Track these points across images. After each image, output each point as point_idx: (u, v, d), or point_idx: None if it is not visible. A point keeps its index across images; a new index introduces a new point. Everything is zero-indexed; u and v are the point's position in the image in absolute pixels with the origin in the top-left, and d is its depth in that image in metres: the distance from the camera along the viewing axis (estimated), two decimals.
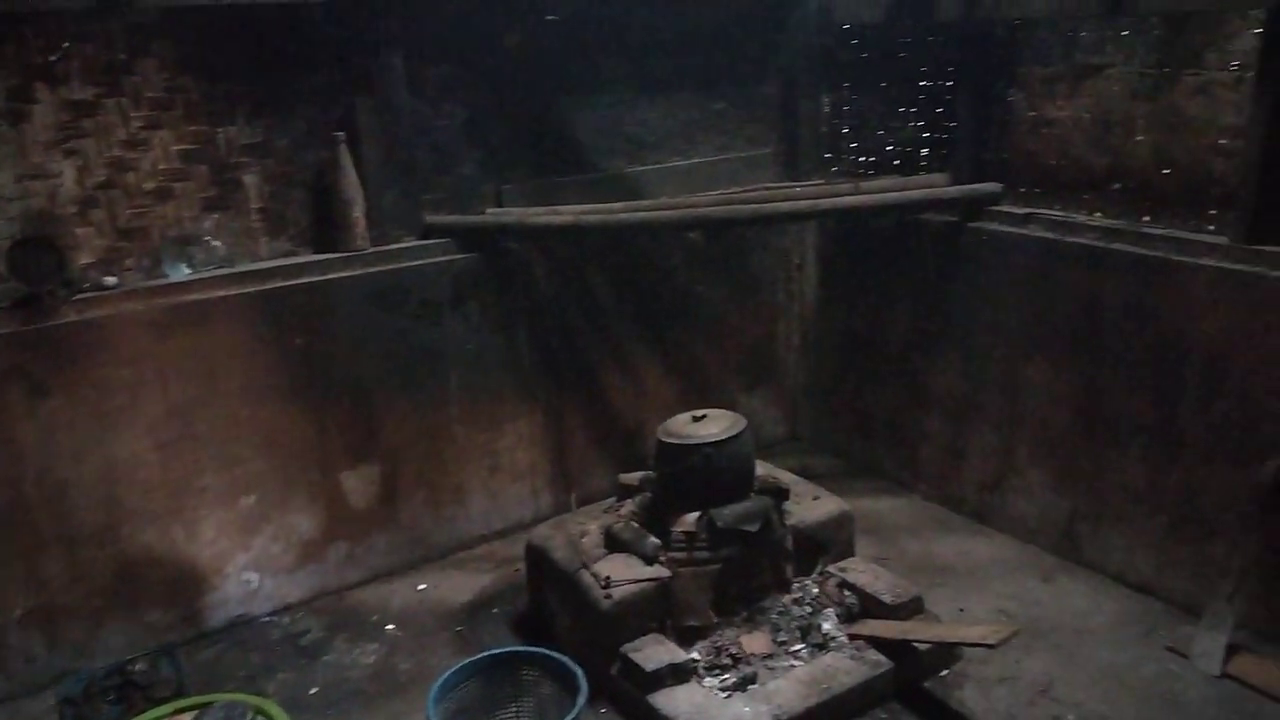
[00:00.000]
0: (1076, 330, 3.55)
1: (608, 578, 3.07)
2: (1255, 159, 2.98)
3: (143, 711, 2.64)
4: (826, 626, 3.19)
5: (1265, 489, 3.05)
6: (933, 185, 3.91)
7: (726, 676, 2.99)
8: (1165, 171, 3.32)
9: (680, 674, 2.92)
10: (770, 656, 3.08)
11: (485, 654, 2.83)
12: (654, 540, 3.16)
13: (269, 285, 3.42)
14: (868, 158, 4.39)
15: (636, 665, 2.93)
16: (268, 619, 3.63)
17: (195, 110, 3.26)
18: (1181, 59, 3.21)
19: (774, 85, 4.50)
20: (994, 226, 3.80)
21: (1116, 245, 3.40)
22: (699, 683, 2.96)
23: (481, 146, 3.83)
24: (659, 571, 3.10)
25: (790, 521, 3.35)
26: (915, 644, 3.09)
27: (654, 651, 2.98)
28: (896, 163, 4.26)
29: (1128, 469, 3.48)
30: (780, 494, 3.35)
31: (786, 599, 3.28)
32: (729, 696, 2.92)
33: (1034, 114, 3.70)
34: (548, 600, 3.39)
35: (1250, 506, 3.10)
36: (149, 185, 3.24)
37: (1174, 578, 3.42)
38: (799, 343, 4.84)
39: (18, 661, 3.18)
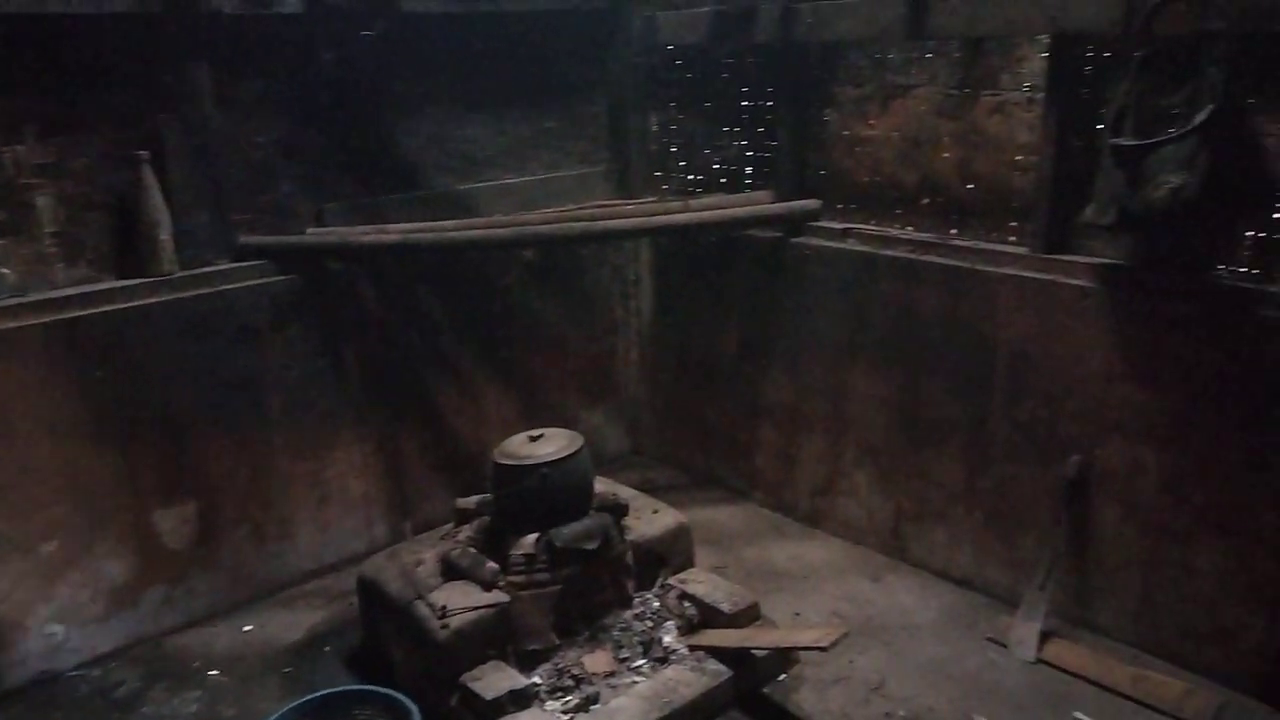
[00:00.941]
0: (894, 338, 3.72)
1: (444, 607, 2.99)
2: (1048, 174, 3.20)
3: None
4: (667, 639, 3.21)
5: (1068, 483, 3.27)
6: (757, 202, 4.01)
7: (569, 699, 2.96)
8: (970, 186, 3.53)
9: (521, 700, 2.86)
10: (613, 674, 3.06)
11: (315, 695, 2.71)
12: (492, 565, 3.10)
13: (66, 315, 3.17)
14: (696, 176, 4.48)
15: (476, 695, 2.85)
16: (75, 673, 3.35)
17: None
18: (980, 80, 3.42)
19: (603, 104, 4.54)
20: (815, 241, 3.94)
21: (928, 257, 3.58)
22: (541, 707, 2.91)
23: (300, 164, 3.69)
24: (497, 597, 3.04)
25: (630, 537, 3.36)
26: (753, 651, 3.14)
27: (494, 679, 2.91)
28: (723, 180, 4.36)
29: (946, 469, 3.67)
30: (620, 510, 3.36)
31: (628, 615, 3.28)
32: (571, 719, 2.88)
33: (848, 133, 3.86)
34: (382, 635, 3.27)
35: (1056, 500, 3.32)
36: None
37: (992, 571, 3.61)
38: (638, 358, 4.88)
39: None
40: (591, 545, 3.12)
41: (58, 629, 3.31)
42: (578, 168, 4.50)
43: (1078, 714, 3.00)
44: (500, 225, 3.81)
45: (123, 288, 3.30)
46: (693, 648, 3.19)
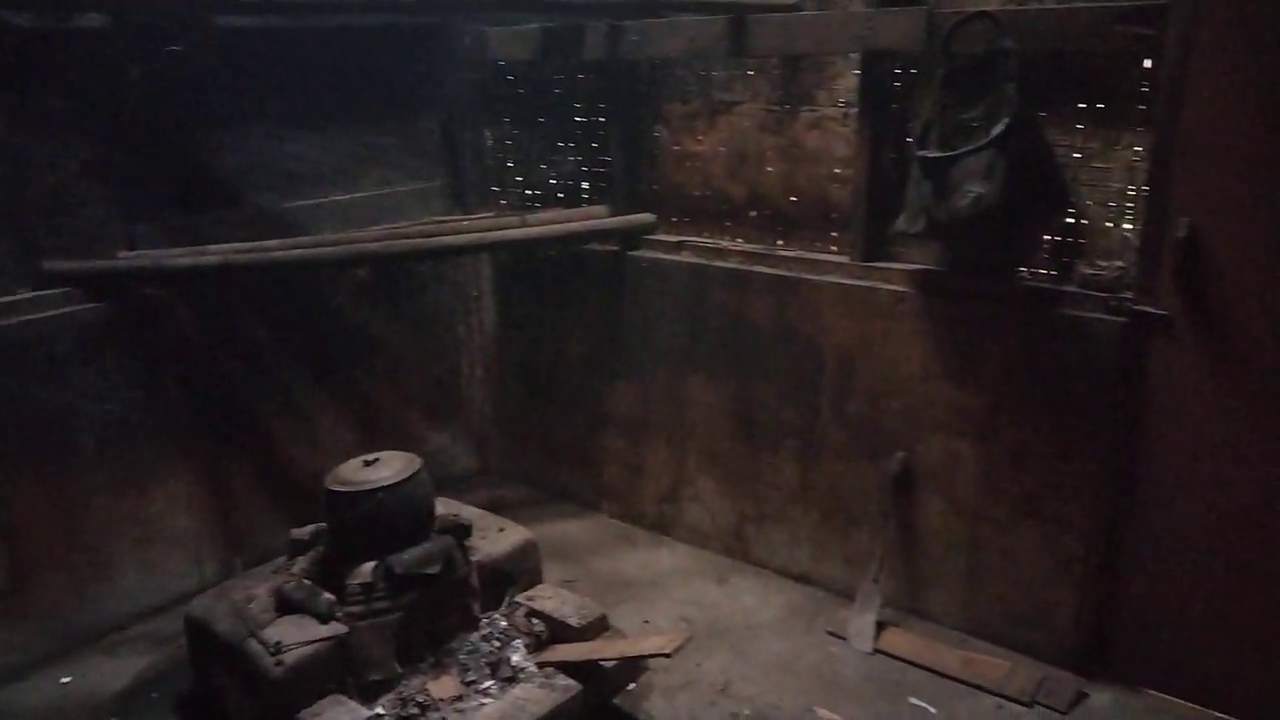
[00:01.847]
0: (729, 347, 3.82)
1: (278, 643, 2.86)
2: (863, 186, 3.36)
3: None
4: (515, 658, 3.17)
5: (894, 479, 3.43)
6: (593, 217, 4.05)
7: None
8: (793, 199, 3.66)
9: None
10: (460, 699, 2.99)
11: None
12: (328, 596, 2.99)
13: None
14: (533, 191, 4.48)
15: None
16: None
17: None
18: (799, 97, 3.56)
19: (435, 119, 4.47)
20: (652, 254, 4.01)
21: (757, 267, 3.69)
22: None
23: (110, 185, 3.47)
24: (335, 628, 2.92)
25: (475, 557, 3.30)
26: (601, 663, 3.14)
27: (334, 714, 2.80)
28: (560, 195, 4.38)
29: (783, 470, 3.78)
30: (462, 531, 3.29)
31: (475, 636, 3.22)
32: None
33: (678, 148, 3.94)
34: (214, 677, 3.10)
35: (884, 496, 3.47)
36: None
37: (829, 567, 3.75)
38: (483, 375, 4.82)
39: None
40: (433, 569, 3.05)
41: None
42: (412, 184, 4.42)
43: (913, 699, 3.14)
44: (328, 244, 3.70)
45: None
46: (541, 664, 3.15)
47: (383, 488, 3.02)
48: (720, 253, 3.82)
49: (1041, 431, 3.11)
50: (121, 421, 3.51)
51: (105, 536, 3.54)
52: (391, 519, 3.04)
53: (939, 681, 3.22)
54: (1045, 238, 3.09)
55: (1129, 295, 2.89)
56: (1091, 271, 2.96)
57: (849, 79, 3.39)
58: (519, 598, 3.42)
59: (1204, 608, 2.96)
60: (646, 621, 3.61)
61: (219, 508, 3.88)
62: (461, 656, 3.14)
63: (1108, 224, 2.97)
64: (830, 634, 3.50)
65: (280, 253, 3.59)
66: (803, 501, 3.76)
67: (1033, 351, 3.07)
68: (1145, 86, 2.81)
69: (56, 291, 3.34)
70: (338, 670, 2.91)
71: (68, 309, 3.35)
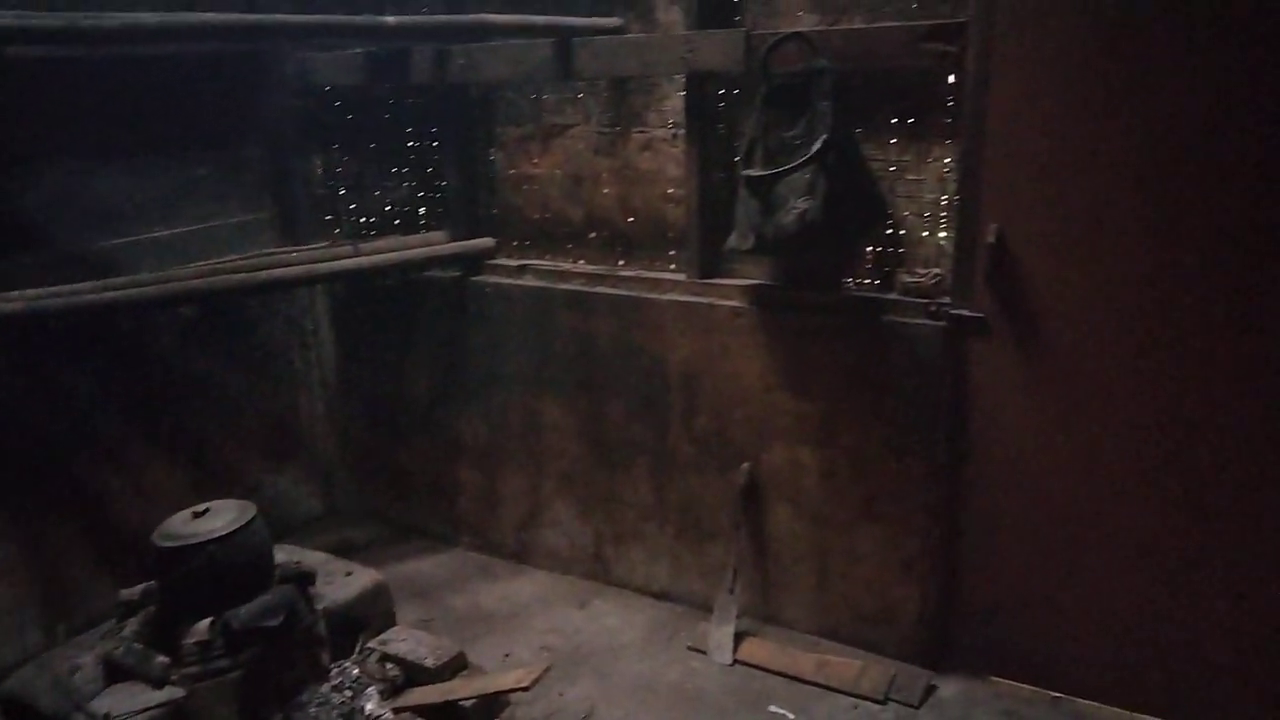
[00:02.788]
0: (577, 368, 3.81)
1: (106, 715, 2.67)
2: (695, 205, 3.41)
3: None
4: (369, 707, 3.06)
5: (742, 489, 3.48)
6: (431, 243, 3.97)
7: None
8: (630, 220, 3.69)
9: None
10: None
11: None
12: (162, 659, 2.81)
13: None
14: (368, 218, 4.36)
15: None
16: None
17: None
18: (629, 119, 3.59)
19: (259, 148, 4.29)
20: (494, 279, 3.96)
21: (600, 288, 3.70)
22: None
23: None
24: (171, 693, 2.76)
25: (321, 605, 3.17)
26: (460, 703, 3.07)
27: None
28: (397, 222, 4.28)
29: (637, 489, 3.79)
30: (306, 578, 3.15)
31: (325, 688, 3.08)
32: None
33: (515, 171, 3.92)
34: None
35: (733, 507, 3.52)
36: None
37: (687, 581, 3.77)
38: (324, 411, 4.65)
39: None
40: (273, 622, 2.91)
41: None
42: (238, 216, 4.22)
43: (773, 707, 3.18)
44: (147, 284, 3.49)
45: None
46: (398, 710, 3.07)
47: (214, 540, 2.86)
48: (563, 275, 3.81)
49: (875, 434, 3.22)
50: None
51: None
52: (226, 572, 2.88)
53: (797, 686, 3.28)
54: (868, 249, 3.21)
55: (947, 300, 3.03)
56: (912, 279, 3.09)
57: (676, 100, 3.44)
58: (371, 643, 3.31)
59: (1033, 594, 3.12)
60: (507, 655, 3.54)
61: (39, 572, 3.59)
62: (312, 710, 3.00)
63: (924, 233, 3.11)
64: (691, 649, 3.52)
65: (93, 295, 3.36)
66: (658, 518, 3.77)
67: (863, 358, 3.18)
68: (951, 101, 2.96)
69: None
70: None
71: None
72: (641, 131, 3.57)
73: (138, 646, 2.89)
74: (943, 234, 3.07)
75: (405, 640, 3.32)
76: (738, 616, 3.53)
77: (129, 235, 3.84)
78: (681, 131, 3.42)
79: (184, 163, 4.03)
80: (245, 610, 2.87)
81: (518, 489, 4.13)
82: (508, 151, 3.92)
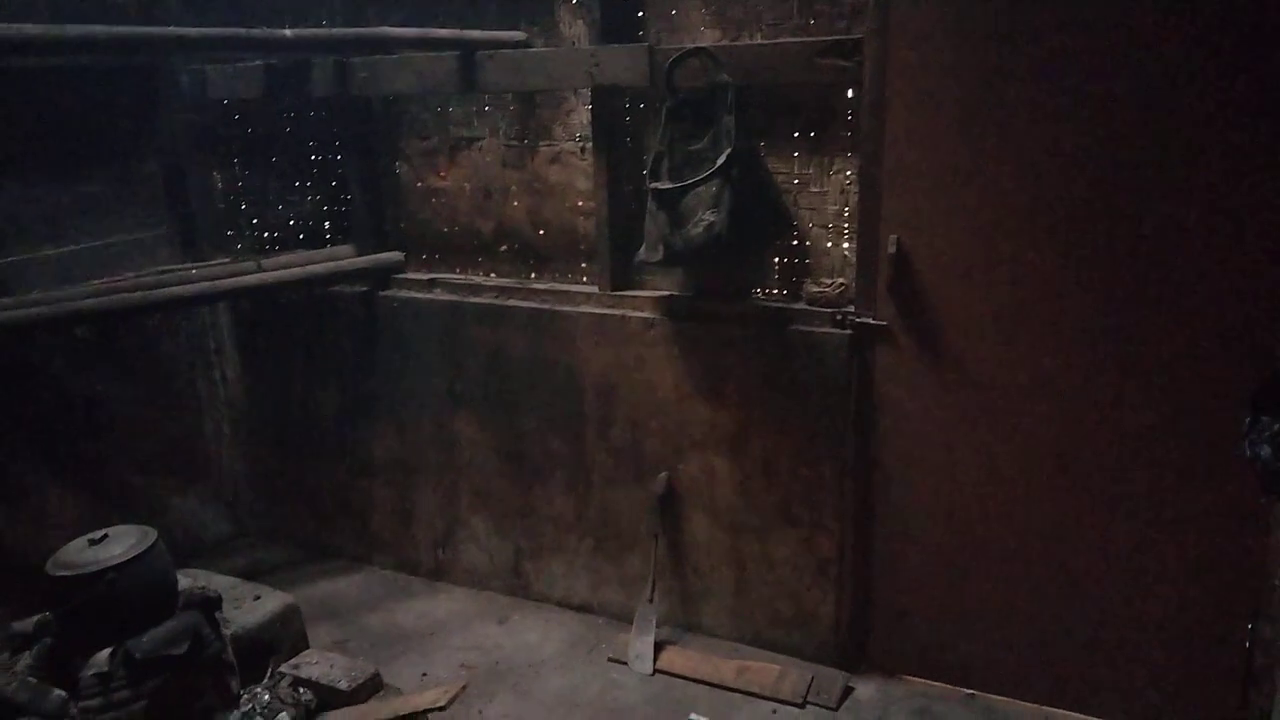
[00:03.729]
0: (491, 382, 3.78)
1: None
2: (604, 218, 3.43)
3: None
4: None
5: (659, 498, 3.50)
6: (337, 258, 3.90)
7: None
8: (541, 232, 3.69)
9: None
10: None
11: None
12: (59, 693, 2.70)
13: None
14: (272, 233, 4.27)
15: None
16: None
17: None
18: (537, 132, 3.59)
19: (155, 163, 4.16)
20: (404, 294, 3.92)
21: (512, 302, 3.69)
22: None
23: None
24: None
25: (229, 630, 3.08)
26: None
27: None
28: (301, 237, 4.19)
29: (555, 502, 3.78)
30: (211, 603, 3.06)
31: (235, 715, 3.01)
32: None
33: (422, 184, 3.88)
34: None
35: (651, 517, 3.53)
36: None
37: (607, 593, 3.77)
38: (230, 432, 4.52)
39: None
40: (178, 650, 2.82)
41: None
42: (134, 232, 4.08)
43: (694, 715, 3.19)
44: (35, 304, 3.35)
45: None
46: None
47: (111, 567, 2.76)
48: (474, 288, 3.79)
49: (786, 441, 3.27)
50: None
51: None
52: (126, 600, 2.79)
53: (718, 694, 3.31)
54: (775, 260, 3.27)
55: (851, 309, 3.10)
56: (817, 289, 3.16)
57: (583, 113, 3.45)
58: (283, 667, 3.25)
59: (943, 593, 3.21)
60: (425, 674, 3.49)
61: None
62: None
63: (828, 244, 3.18)
64: (612, 661, 3.53)
65: None
66: (577, 530, 3.77)
67: (773, 367, 3.23)
68: (850, 115, 3.04)
69: None
70: None
71: None
72: (549, 145, 3.57)
73: (32, 680, 2.77)
74: (846, 245, 3.15)
75: (318, 663, 3.26)
76: (658, 626, 3.55)
77: (17, 254, 3.69)
78: (589, 145, 3.44)
79: (76, 179, 3.89)
80: (147, 638, 2.78)
81: (433, 506, 4.08)
82: (414, 165, 3.88)
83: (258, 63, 3.82)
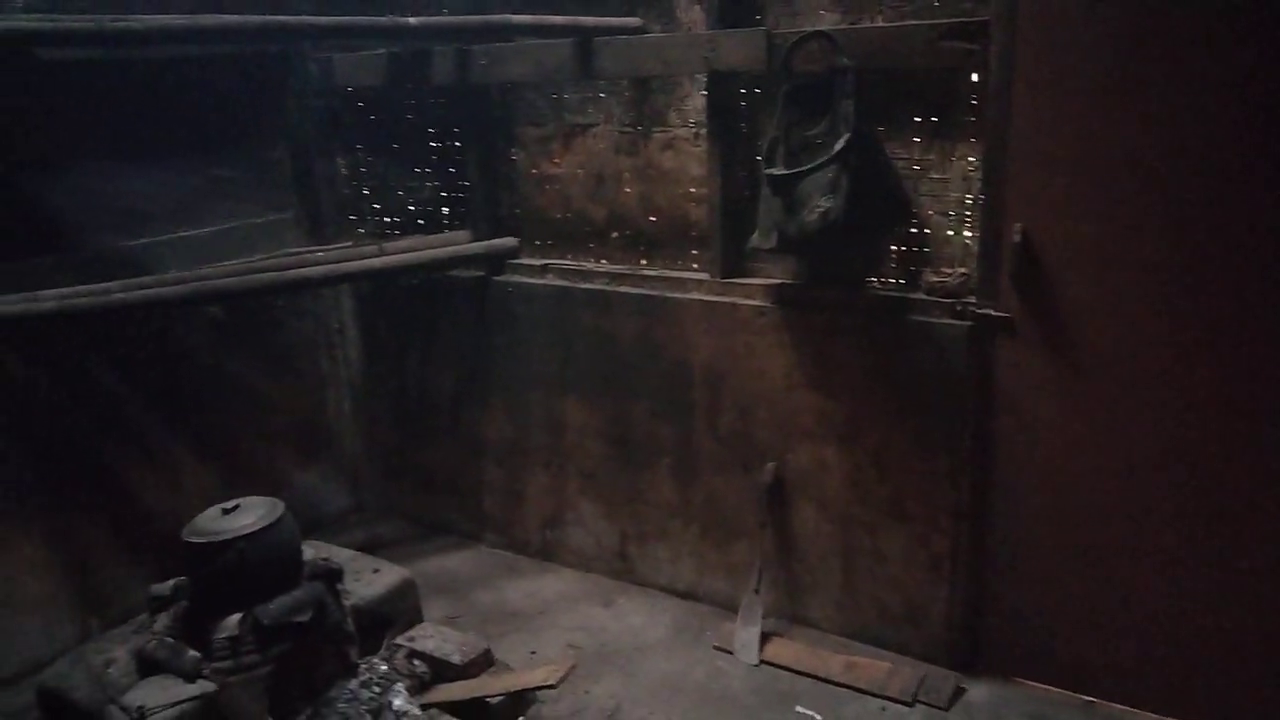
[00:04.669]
0: (599, 368, 3.82)
1: (140, 707, 2.71)
2: (717, 204, 3.41)
3: None
4: (398, 703, 3.08)
5: (767, 488, 3.48)
6: (455, 243, 3.99)
7: None
8: (652, 219, 3.69)
9: None
10: None
11: None
12: (193, 654, 2.85)
13: None
14: (392, 218, 4.39)
15: None
16: None
17: None
18: (651, 118, 3.59)
19: (284, 149, 4.33)
20: (517, 279, 3.98)
21: (622, 288, 3.71)
22: None
23: None
24: (203, 687, 2.79)
25: (349, 601, 3.20)
26: (486, 699, 3.09)
27: None
28: (420, 222, 4.30)
29: (661, 488, 3.79)
30: (334, 575, 3.18)
31: (354, 684, 3.11)
32: None
33: (536, 171, 3.93)
34: None
35: (758, 506, 3.51)
36: None
37: (712, 581, 3.77)
38: (351, 409, 4.69)
39: None
40: (303, 618, 2.94)
41: None
42: (263, 216, 4.26)
43: (800, 708, 3.18)
44: (174, 283, 3.53)
45: None
46: (425, 706, 3.09)
47: (243, 536, 2.90)
48: (585, 274, 3.82)
49: (900, 433, 3.20)
50: None
51: None
52: (255, 568, 2.92)
53: (824, 688, 3.27)
54: (892, 248, 3.19)
55: (972, 300, 3.01)
56: (937, 278, 3.08)
57: (698, 99, 3.44)
58: (399, 639, 3.34)
59: (1065, 596, 3.09)
60: (533, 652, 3.56)
61: (72, 567, 3.65)
62: (341, 705, 3.04)
63: (949, 232, 3.09)
64: (717, 649, 3.53)
65: (122, 295, 3.40)
66: (682, 517, 3.78)
67: (887, 357, 3.17)
68: (975, 99, 2.94)
69: None
70: None
71: None
72: (663, 131, 3.56)
73: (170, 641, 2.93)
74: (968, 233, 3.05)
75: (432, 637, 3.34)
76: (763, 616, 3.52)
77: (156, 235, 3.90)
78: (704, 130, 3.42)
79: (210, 163, 4.08)
80: (275, 606, 2.91)
81: (542, 488, 4.15)
82: (530, 151, 3.93)
83: (382, 51, 3.93)
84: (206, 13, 3.31)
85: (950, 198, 3.06)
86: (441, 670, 3.22)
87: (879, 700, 3.19)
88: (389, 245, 3.97)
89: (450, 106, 4.05)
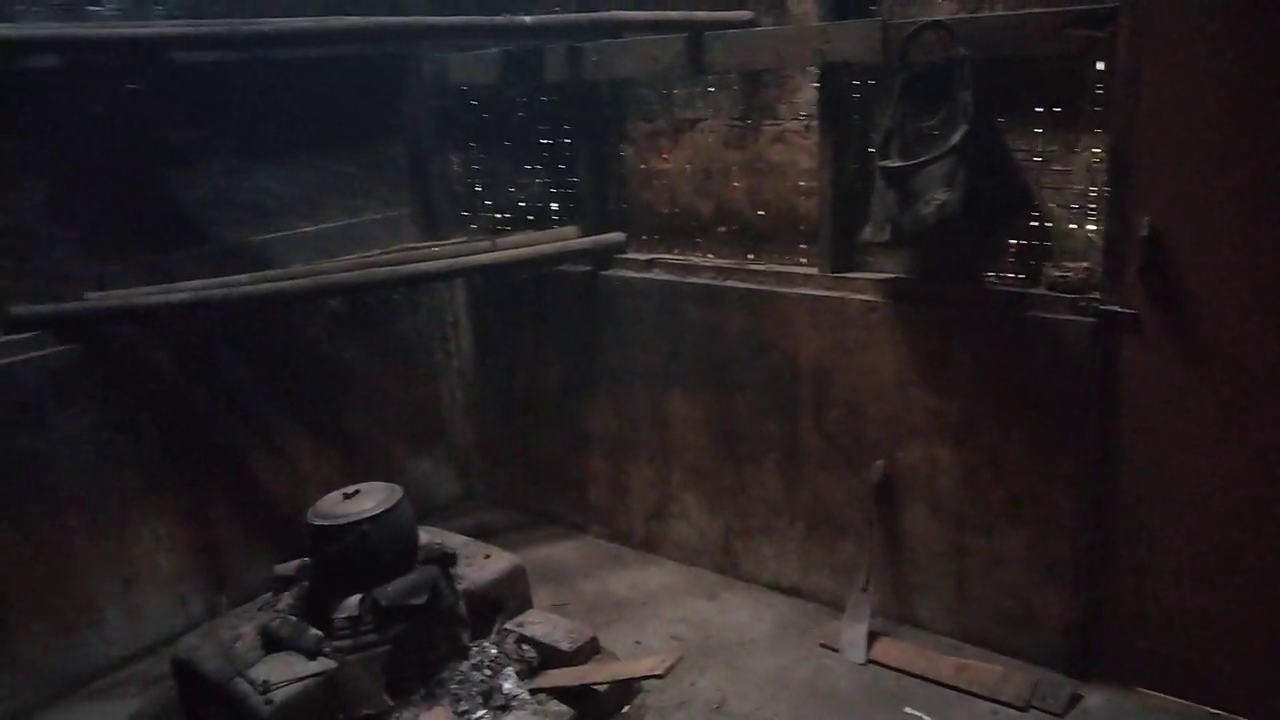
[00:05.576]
0: (705, 362, 3.82)
1: (265, 681, 2.85)
2: (828, 198, 3.37)
3: None
4: (507, 686, 3.16)
5: (876, 487, 3.44)
6: (564, 238, 4.06)
7: None
8: (761, 213, 3.68)
9: None
10: None
11: None
12: (315, 632, 2.98)
13: None
14: (503, 214, 4.49)
15: None
16: None
17: None
18: (760, 111, 3.57)
19: (400, 147, 4.47)
20: (624, 273, 4.02)
21: (729, 282, 3.71)
22: None
23: (75, 226, 3.45)
24: (324, 664, 2.92)
25: (462, 586, 3.30)
26: (594, 687, 3.14)
27: None
28: (530, 218, 4.38)
29: (766, 483, 3.78)
30: (448, 560, 3.29)
31: (465, 666, 3.21)
32: None
33: (645, 166, 3.96)
34: (204, 717, 3.08)
35: (867, 504, 3.47)
36: None
37: (818, 578, 3.75)
38: (463, 400, 4.81)
39: None
40: (419, 600, 3.04)
41: None
42: (381, 212, 4.41)
43: (909, 709, 3.13)
44: (299, 276, 3.68)
45: None
46: (534, 691, 3.15)
47: (365, 520, 3.01)
48: (692, 269, 3.84)
49: (1018, 433, 3.12)
50: (98, 465, 3.49)
51: (87, 581, 3.51)
52: (375, 551, 3.03)
53: (933, 689, 3.22)
54: (1011, 242, 3.11)
55: (1096, 296, 2.91)
56: (1059, 273, 2.98)
57: (809, 92, 3.41)
58: (508, 624, 3.41)
59: (1191, 603, 2.97)
60: (638, 642, 3.60)
61: (202, 546, 3.85)
62: (453, 686, 3.13)
63: (1072, 226, 2.99)
64: (823, 646, 3.50)
65: (250, 287, 3.57)
66: (788, 513, 3.76)
67: (1004, 355, 3.09)
68: (1100, 88, 2.84)
69: (25, 336, 3.31)
70: (328, 706, 2.91)
71: (38, 353, 3.32)
72: (773, 124, 3.55)
73: (293, 619, 3.06)
74: (1092, 227, 2.95)
75: (541, 623, 3.41)
76: (871, 615, 3.48)
77: (280, 230, 4.07)
78: (814, 123, 3.39)
79: (330, 161, 4.24)
80: (393, 587, 3.01)
81: (646, 480, 4.18)
82: (638, 147, 3.96)
83: (495, 50, 4.01)
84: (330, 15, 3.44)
85: (1073, 190, 2.97)
86: (549, 656, 3.28)
87: (990, 704, 3.12)
88: (500, 240, 4.06)
89: (560, 104, 4.12)
